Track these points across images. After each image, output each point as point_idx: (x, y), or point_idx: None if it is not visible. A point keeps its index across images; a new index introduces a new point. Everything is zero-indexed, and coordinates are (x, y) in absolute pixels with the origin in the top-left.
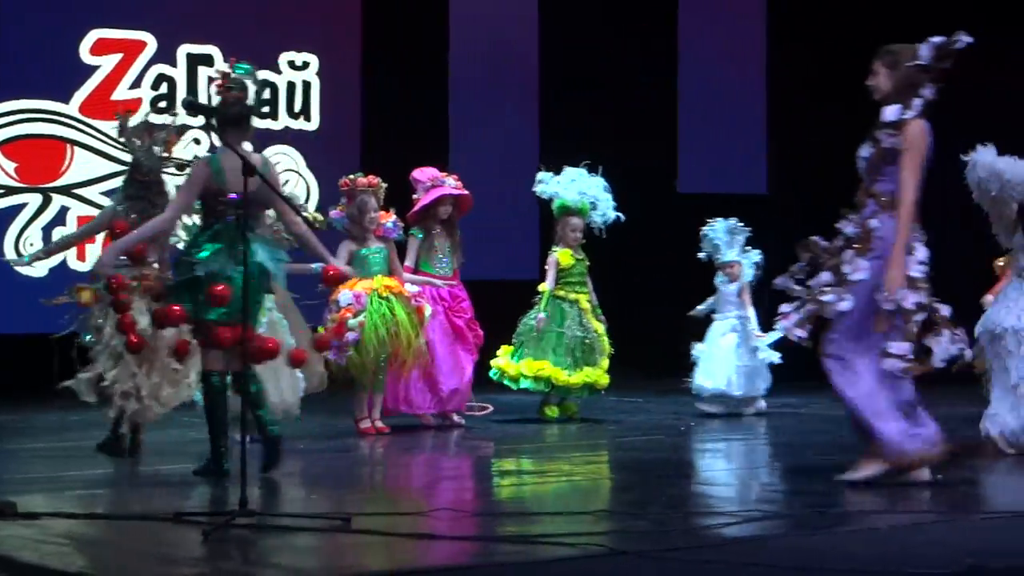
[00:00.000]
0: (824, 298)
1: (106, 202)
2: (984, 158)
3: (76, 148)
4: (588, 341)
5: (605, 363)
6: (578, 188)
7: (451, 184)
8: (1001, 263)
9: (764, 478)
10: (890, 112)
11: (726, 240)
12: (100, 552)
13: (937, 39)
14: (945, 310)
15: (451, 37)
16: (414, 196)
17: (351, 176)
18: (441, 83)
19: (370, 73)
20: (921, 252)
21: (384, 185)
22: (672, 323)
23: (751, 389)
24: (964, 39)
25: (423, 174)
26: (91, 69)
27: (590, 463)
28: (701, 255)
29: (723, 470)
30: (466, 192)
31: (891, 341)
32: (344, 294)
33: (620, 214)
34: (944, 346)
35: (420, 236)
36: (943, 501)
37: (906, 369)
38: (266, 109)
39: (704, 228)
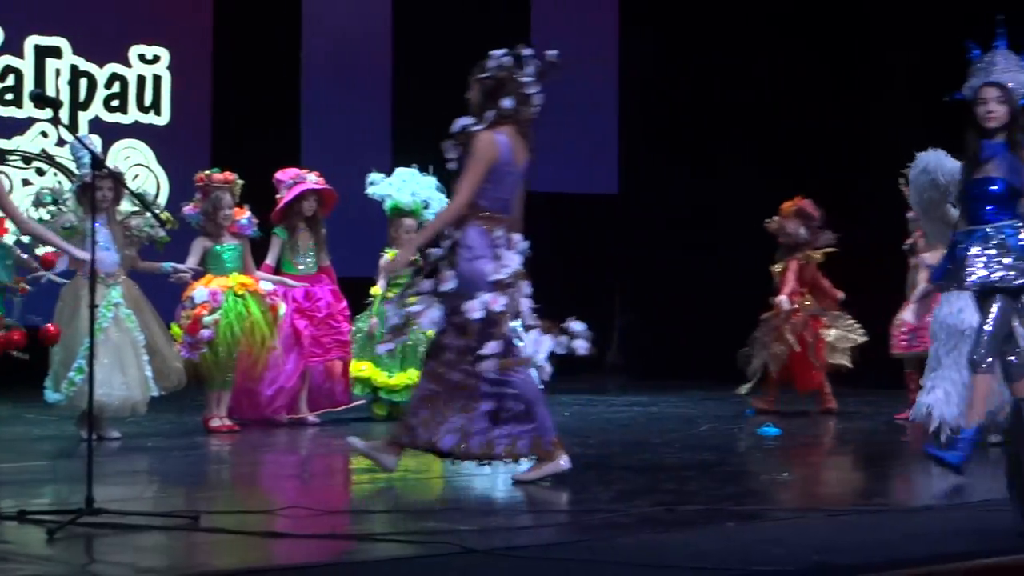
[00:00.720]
0: (412, 309)
1: None
2: (949, 163)
3: None
4: (412, 343)
5: None
6: (410, 189)
7: (313, 180)
8: (778, 269)
9: (615, 475)
10: (456, 123)
11: None
12: None
13: (498, 52)
14: (527, 309)
15: (303, 32)
16: (277, 196)
17: (206, 172)
18: (293, 79)
19: (221, 68)
20: (509, 257)
21: (240, 182)
22: None
23: None
24: (527, 52)
25: (285, 174)
26: None
27: (441, 460)
28: None
29: (573, 466)
30: (329, 187)
31: (485, 343)
32: (199, 291)
33: None
34: (535, 341)
35: (284, 235)
36: (791, 498)
37: (503, 366)
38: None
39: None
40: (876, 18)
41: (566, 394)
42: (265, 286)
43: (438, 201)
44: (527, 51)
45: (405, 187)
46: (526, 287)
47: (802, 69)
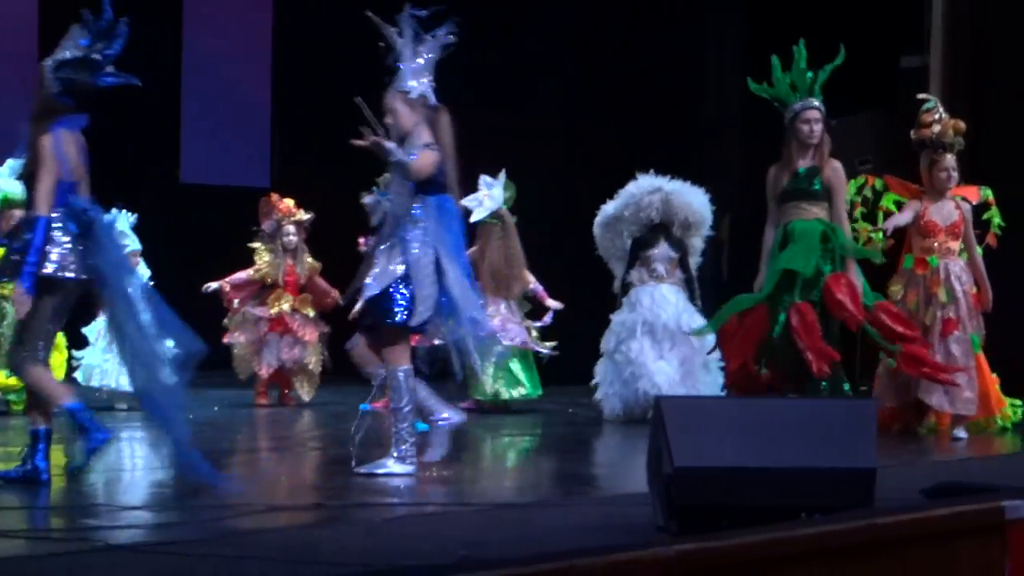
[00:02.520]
0: None
1: None
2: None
3: None
4: None
5: (57, 359)
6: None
7: None
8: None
9: (264, 471)
10: None
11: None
12: None
13: None
14: None
15: None
16: None
17: None
18: None
19: None
20: None
21: None
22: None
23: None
24: None
25: None
26: None
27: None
28: None
29: (224, 462)
30: None
31: None
32: None
33: None
34: None
35: None
36: (438, 494)
37: None
38: None
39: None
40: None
41: (217, 389)
42: None
43: None
44: None
45: (13, 178)
46: None
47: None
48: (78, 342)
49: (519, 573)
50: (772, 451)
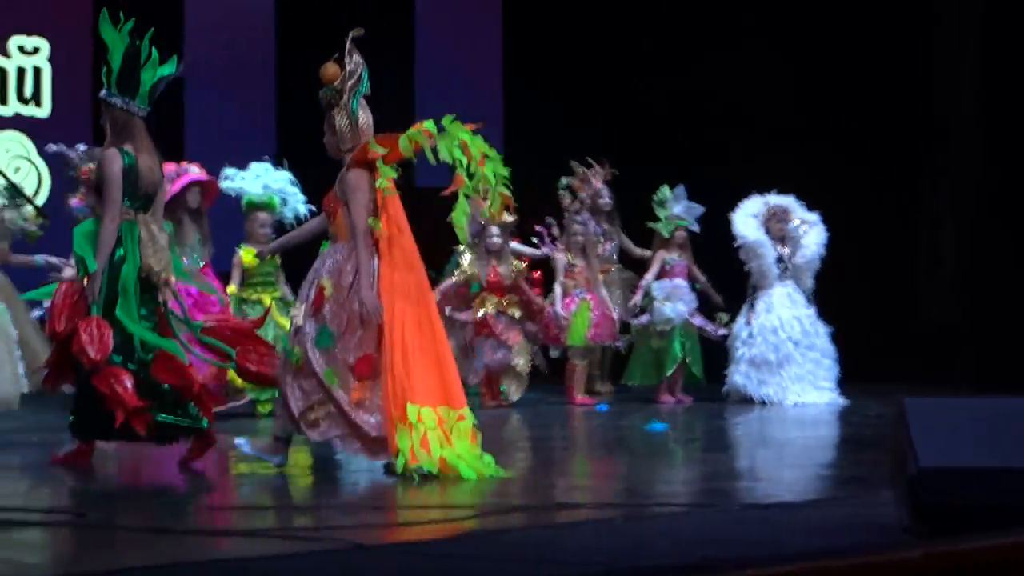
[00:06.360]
0: None
1: None
2: None
3: None
4: None
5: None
6: (263, 183)
7: (195, 171)
8: None
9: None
10: None
11: None
12: None
13: None
14: None
15: (186, 24)
16: None
17: (90, 164)
18: None
19: (102, 59)
20: None
21: None
22: None
23: None
24: None
25: (165, 168)
26: None
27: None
28: None
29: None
30: (212, 178)
31: None
32: None
33: (311, 207)
34: None
35: (169, 229)
36: (679, 493)
37: None
38: None
39: None
40: None
41: None
42: None
43: (294, 195)
44: None
45: (258, 182)
46: None
47: None
48: None
49: (761, 574)
50: (1022, 451)
